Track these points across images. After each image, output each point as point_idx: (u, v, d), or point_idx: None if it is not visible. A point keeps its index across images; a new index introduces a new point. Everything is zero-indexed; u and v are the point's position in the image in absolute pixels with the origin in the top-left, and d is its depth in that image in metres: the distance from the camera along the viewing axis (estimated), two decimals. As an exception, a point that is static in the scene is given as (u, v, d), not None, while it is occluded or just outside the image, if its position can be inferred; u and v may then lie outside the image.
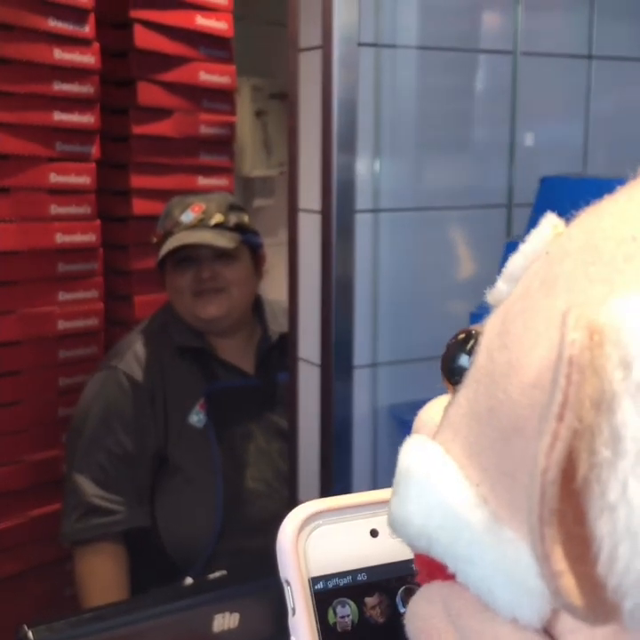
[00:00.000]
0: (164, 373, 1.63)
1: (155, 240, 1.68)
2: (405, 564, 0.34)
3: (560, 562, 0.22)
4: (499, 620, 0.26)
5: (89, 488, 1.57)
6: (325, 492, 1.51)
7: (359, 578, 0.37)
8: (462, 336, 0.32)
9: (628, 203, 0.28)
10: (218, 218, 1.64)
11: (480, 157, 1.55)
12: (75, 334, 1.98)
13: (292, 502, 1.59)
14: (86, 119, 1.96)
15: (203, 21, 2.18)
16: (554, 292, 0.26)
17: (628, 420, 0.21)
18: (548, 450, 0.22)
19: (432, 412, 0.33)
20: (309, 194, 1.50)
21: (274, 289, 2.78)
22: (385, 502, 0.38)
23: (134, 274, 2.12)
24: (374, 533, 0.38)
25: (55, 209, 1.91)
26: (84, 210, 1.97)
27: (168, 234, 1.65)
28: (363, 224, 1.46)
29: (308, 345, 1.53)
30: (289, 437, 1.60)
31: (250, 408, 1.69)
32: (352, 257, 1.47)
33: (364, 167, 1.45)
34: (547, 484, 0.22)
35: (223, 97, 2.26)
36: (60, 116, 1.90)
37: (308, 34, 1.46)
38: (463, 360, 0.31)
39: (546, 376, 0.24)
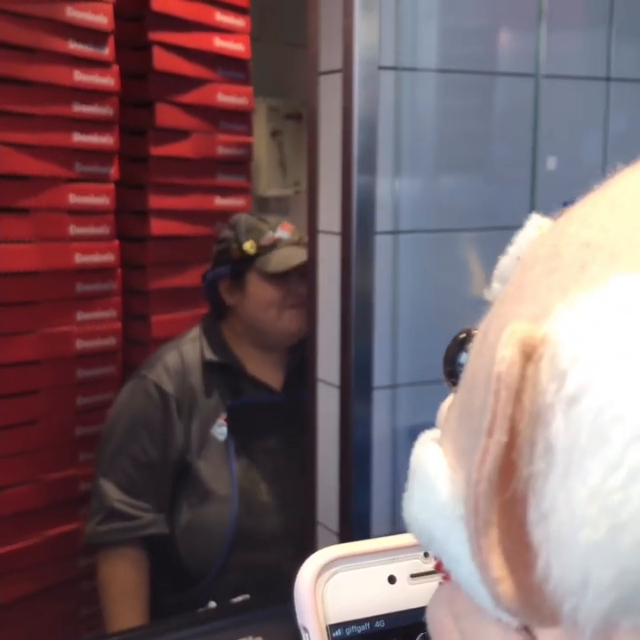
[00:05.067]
0: (191, 385, 1.67)
1: (252, 251, 1.70)
2: (423, 610, 0.34)
3: (497, 569, 0.23)
4: (487, 621, 0.26)
5: (113, 493, 1.60)
6: (344, 513, 1.51)
7: (377, 625, 0.37)
8: (462, 336, 0.32)
9: (593, 206, 0.27)
10: (303, 237, 1.69)
11: (500, 179, 1.55)
12: (92, 354, 1.98)
13: (311, 524, 1.58)
14: (105, 140, 1.97)
15: (220, 43, 2.19)
16: (522, 299, 0.27)
17: (559, 432, 0.22)
18: (479, 464, 0.23)
19: (444, 408, 0.33)
20: (329, 215, 1.50)
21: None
22: (403, 548, 0.38)
23: (152, 293, 2.12)
24: (392, 580, 0.38)
25: (74, 229, 1.92)
26: (103, 230, 1.98)
27: (270, 248, 1.71)
28: (382, 245, 1.47)
29: (328, 366, 1.53)
30: (308, 458, 1.59)
31: (272, 423, 1.73)
32: (371, 278, 1.47)
33: (383, 189, 1.45)
34: (479, 496, 0.23)
35: (240, 118, 2.28)
36: (79, 138, 1.92)
37: (329, 57, 1.47)
38: (463, 359, 0.31)
39: (489, 384, 0.24)
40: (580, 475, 0.21)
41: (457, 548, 0.27)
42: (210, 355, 1.70)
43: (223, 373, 1.70)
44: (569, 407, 0.22)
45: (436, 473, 0.29)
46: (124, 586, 1.61)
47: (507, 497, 0.23)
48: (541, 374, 0.23)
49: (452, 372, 0.32)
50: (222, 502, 1.64)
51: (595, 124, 1.62)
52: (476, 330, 0.31)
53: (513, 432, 0.23)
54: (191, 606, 1.49)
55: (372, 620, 0.37)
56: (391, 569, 0.38)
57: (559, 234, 0.27)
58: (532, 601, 0.23)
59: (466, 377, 0.29)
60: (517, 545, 0.23)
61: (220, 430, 1.66)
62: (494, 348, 0.25)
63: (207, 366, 1.69)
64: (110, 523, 1.60)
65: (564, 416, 0.22)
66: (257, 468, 1.69)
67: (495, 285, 0.32)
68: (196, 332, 1.75)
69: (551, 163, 1.50)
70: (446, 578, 0.30)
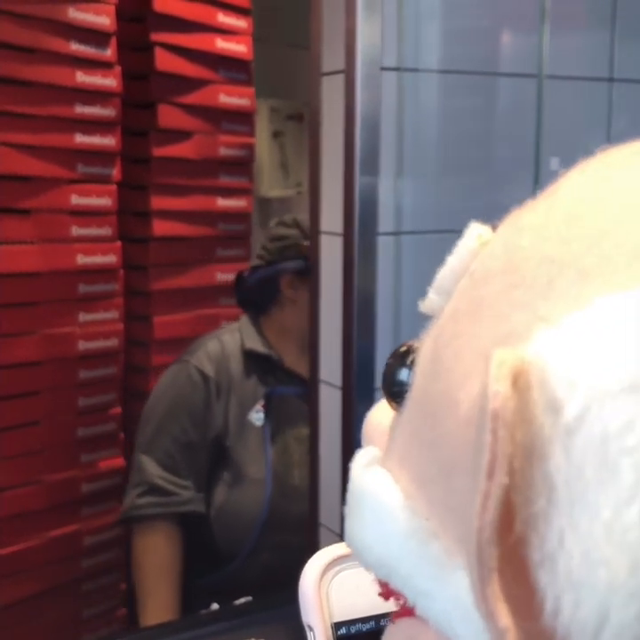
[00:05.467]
0: (230, 371, 1.76)
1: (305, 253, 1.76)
2: None
3: (504, 618, 0.21)
4: None
5: (154, 469, 1.66)
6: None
7: (382, 623, 0.37)
8: (403, 349, 0.30)
9: (546, 215, 0.26)
10: None
11: (502, 180, 1.55)
12: (95, 355, 1.98)
13: (314, 525, 1.58)
14: (107, 141, 1.97)
15: (222, 44, 2.19)
16: (479, 317, 0.25)
17: (559, 466, 0.21)
18: (480, 510, 0.21)
19: (379, 418, 0.32)
20: (331, 216, 1.50)
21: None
22: None
23: (154, 294, 2.12)
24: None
25: (76, 230, 1.92)
26: (105, 231, 1.98)
27: None
28: (385, 246, 1.47)
29: (330, 367, 1.52)
30: (311, 460, 1.59)
31: (305, 414, 1.78)
32: (374, 279, 1.47)
33: (386, 190, 1.45)
34: (483, 544, 0.21)
35: (242, 119, 2.28)
36: (81, 139, 1.92)
37: (331, 58, 1.47)
38: (403, 375, 0.30)
39: (473, 418, 0.23)
40: (588, 511, 0.20)
41: (427, 583, 0.25)
42: (250, 344, 1.78)
43: (261, 363, 1.78)
44: (568, 438, 0.20)
45: (391, 503, 0.27)
46: (159, 560, 1.65)
47: (508, 541, 0.21)
48: (532, 405, 0.21)
49: (392, 387, 0.30)
50: (257, 485, 1.71)
51: (597, 124, 1.61)
52: (416, 345, 0.29)
53: (510, 469, 0.21)
54: (221, 589, 1.54)
55: (376, 618, 0.37)
56: None
57: (512, 247, 0.26)
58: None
59: (417, 399, 0.27)
60: (520, 589, 0.21)
61: (258, 416, 1.74)
62: (462, 375, 0.24)
63: (246, 355, 1.78)
64: (149, 497, 1.65)
65: (563, 448, 0.21)
66: (290, 454, 1.78)
67: (432, 297, 0.30)
68: (235, 324, 1.85)
69: (554, 163, 1.50)
70: (403, 614, 0.28)
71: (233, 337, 1.80)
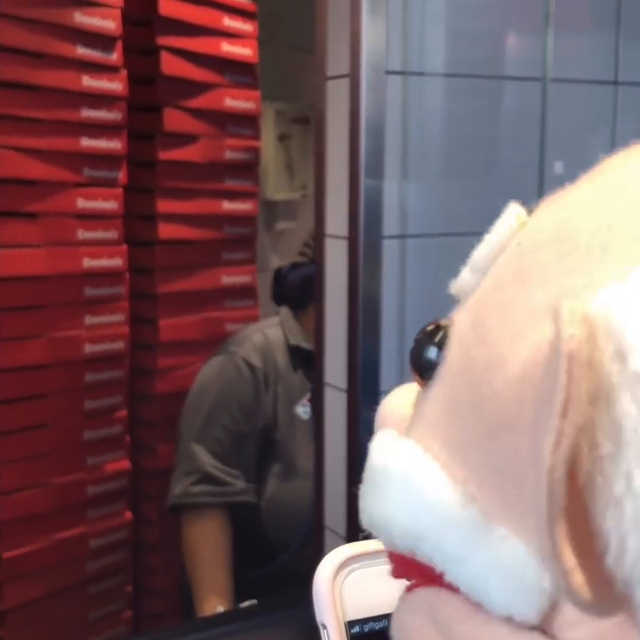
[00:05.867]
0: (277, 365, 1.79)
1: None
2: None
3: (570, 559, 0.22)
4: (493, 623, 0.25)
5: (206, 458, 1.69)
6: (352, 518, 1.51)
7: None
8: (431, 328, 0.30)
9: (595, 191, 0.27)
10: None
11: (507, 183, 1.55)
12: (101, 358, 1.99)
13: (319, 528, 1.58)
14: (114, 145, 1.98)
15: (228, 48, 2.20)
16: (529, 284, 0.26)
17: (628, 412, 0.21)
18: (553, 448, 0.21)
19: (395, 404, 0.32)
20: (336, 220, 1.50)
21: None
22: None
23: (160, 297, 2.13)
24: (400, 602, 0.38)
25: (82, 234, 1.93)
26: (111, 234, 1.99)
27: None
28: (390, 250, 1.47)
29: (335, 370, 1.53)
30: (315, 463, 1.59)
31: None
32: (379, 282, 1.47)
33: (391, 193, 1.45)
34: (554, 482, 0.22)
35: (248, 122, 2.28)
36: (87, 142, 1.93)
37: (336, 62, 1.48)
38: (432, 353, 0.30)
39: (533, 370, 0.23)
40: None
41: (460, 547, 0.26)
42: (294, 340, 1.82)
43: (306, 358, 1.80)
44: (636, 385, 0.21)
45: (423, 472, 0.27)
46: (214, 549, 1.67)
47: (576, 484, 0.22)
48: (602, 352, 0.22)
49: (422, 366, 0.30)
50: (307, 477, 1.73)
51: (602, 127, 1.61)
52: (446, 322, 0.29)
53: (573, 412, 0.22)
54: (271, 582, 1.54)
55: (390, 616, 0.37)
56: None
57: (562, 219, 0.27)
58: (603, 590, 0.22)
59: (455, 367, 0.28)
60: (584, 532, 0.22)
61: (305, 409, 1.79)
62: (512, 337, 0.24)
63: (292, 350, 1.82)
64: (203, 486, 1.68)
65: (631, 394, 0.21)
66: None
67: (466, 276, 0.30)
68: (275, 319, 1.89)
69: (559, 167, 1.50)
70: (422, 583, 0.28)
71: (276, 331, 1.84)
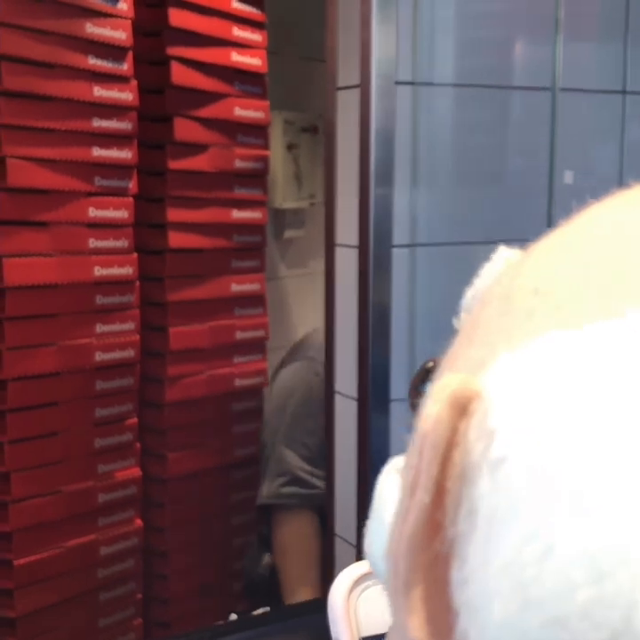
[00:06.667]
0: None
1: None
2: None
3: (415, 630, 0.21)
4: None
5: (295, 461, 1.74)
6: (362, 526, 1.51)
7: None
8: (430, 365, 0.31)
9: (549, 249, 0.26)
10: None
11: (516, 193, 1.56)
12: (111, 366, 2.00)
13: (330, 536, 1.59)
14: (124, 154, 1.99)
15: (238, 58, 2.21)
16: (474, 340, 0.26)
17: (483, 495, 0.21)
18: (400, 523, 0.22)
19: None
20: (346, 229, 1.51)
21: (304, 319, 2.79)
22: None
23: (170, 305, 2.14)
24: None
25: (93, 242, 1.94)
26: (122, 243, 2.00)
27: None
28: (399, 259, 1.48)
29: (345, 379, 1.53)
30: (326, 471, 1.60)
31: None
32: (389, 291, 1.48)
33: (400, 203, 1.46)
34: (399, 556, 0.22)
35: (257, 132, 2.29)
36: (98, 152, 1.94)
37: (346, 73, 1.49)
38: (427, 388, 0.30)
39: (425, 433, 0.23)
40: (496, 542, 0.20)
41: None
42: None
43: None
44: (494, 470, 0.21)
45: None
46: (307, 547, 1.71)
47: (431, 557, 0.22)
48: (471, 432, 0.22)
49: (416, 400, 0.31)
50: None
51: (611, 136, 1.62)
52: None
53: (441, 489, 0.22)
54: None
55: None
56: None
57: (515, 274, 0.26)
58: None
59: None
60: (441, 606, 0.22)
61: None
62: (436, 389, 0.24)
63: None
64: (293, 487, 1.72)
65: (489, 479, 0.21)
66: None
67: (462, 316, 0.31)
68: None
69: (568, 177, 1.50)
70: None
71: None
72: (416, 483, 0.22)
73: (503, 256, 0.30)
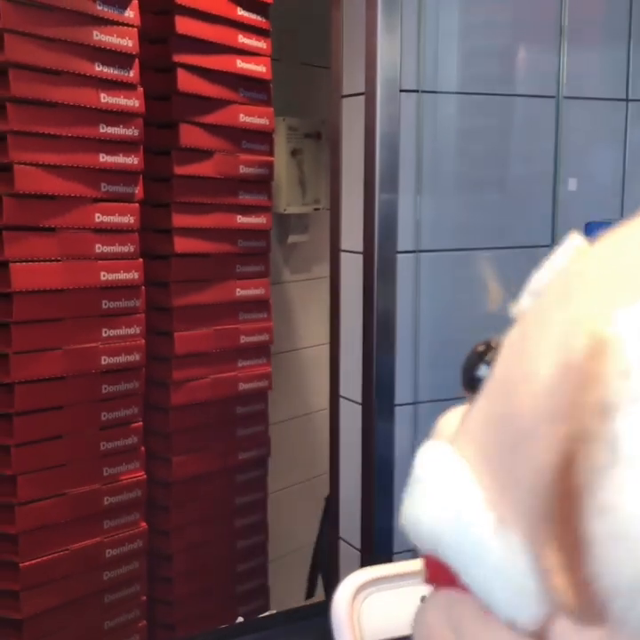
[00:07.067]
0: None
1: None
2: None
3: (554, 561, 0.22)
4: (497, 625, 0.26)
5: None
6: (366, 529, 1.52)
7: None
8: (482, 348, 0.33)
9: (632, 231, 0.28)
10: None
11: (520, 200, 1.57)
12: (117, 369, 2.01)
13: (333, 539, 1.60)
14: (130, 160, 2.01)
15: (242, 65, 2.23)
16: (568, 305, 0.27)
17: (625, 428, 0.22)
18: (545, 452, 0.23)
19: (450, 421, 0.34)
20: (351, 235, 1.53)
21: (308, 323, 2.81)
22: None
23: (175, 310, 2.15)
24: (425, 600, 0.40)
25: (100, 248, 1.95)
26: (128, 248, 2.01)
27: None
28: (404, 264, 1.49)
29: (350, 384, 1.55)
30: (331, 475, 1.61)
31: None
32: (393, 297, 1.49)
33: (405, 210, 1.48)
34: (543, 485, 0.23)
35: (262, 138, 2.31)
36: (105, 158, 1.95)
37: (351, 80, 1.50)
38: (482, 370, 0.32)
39: (552, 383, 0.25)
40: None
41: (475, 549, 0.27)
42: None
43: None
44: (637, 403, 0.22)
45: (453, 476, 0.29)
46: None
47: (566, 488, 0.23)
48: (608, 369, 0.23)
49: (472, 383, 0.32)
50: None
51: (614, 144, 1.64)
52: (496, 342, 0.31)
53: (578, 423, 0.23)
54: None
55: (406, 639, 0.38)
56: (424, 589, 0.40)
57: (614, 248, 0.28)
58: (583, 596, 0.22)
59: (494, 385, 0.29)
60: (572, 537, 0.23)
61: None
62: (547, 350, 0.25)
63: None
64: None
65: (631, 411, 0.22)
66: None
67: (526, 299, 0.32)
68: None
69: (572, 184, 1.52)
70: (445, 583, 0.30)
71: None
72: (565, 410, 0.23)
73: (574, 243, 0.32)
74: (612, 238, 0.30)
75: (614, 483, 0.22)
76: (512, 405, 0.27)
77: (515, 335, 0.30)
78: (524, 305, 0.32)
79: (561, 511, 0.23)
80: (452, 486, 0.29)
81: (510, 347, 0.30)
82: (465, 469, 0.29)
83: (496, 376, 0.30)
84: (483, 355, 0.33)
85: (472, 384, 0.32)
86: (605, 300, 0.26)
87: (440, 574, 0.30)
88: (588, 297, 0.27)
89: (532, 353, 0.27)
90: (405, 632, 0.37)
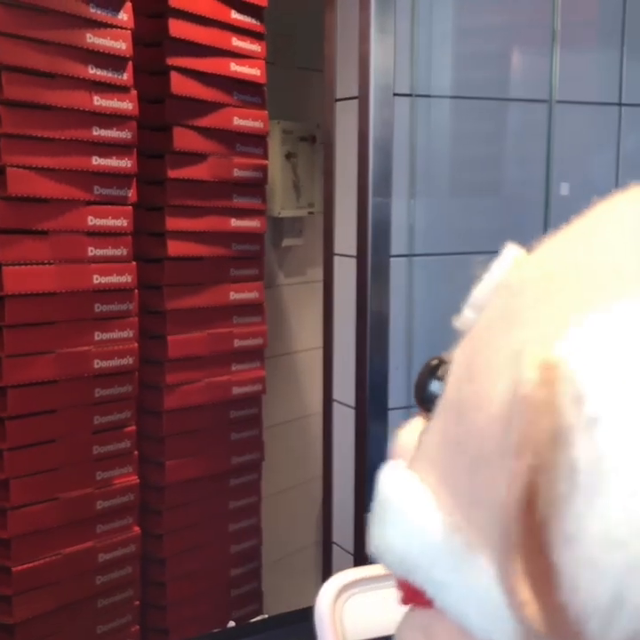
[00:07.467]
0: None
1: None
2: None
3: (525, 592, 0.23)
4: None
5: None
6: (359, 533, 1.52)
7: None
8: (434, 362, 0.33)
9: (575, 236, 0.28)
10: None
11: (513, 203, 1.57)
12: (110, 373, 2.01)
13: (327, 544, 1.60)
14: (124, 163, 2.00)
15: (237, 68, 2.23)
16: (513, 325, 0.27)
17: (579, 455, 0.22)
18: (508, 488, 0.23)
19: (407, 436, 0.34)
20: (345, 239, 1.53)
21: (302, 327, 2.81)
22: None
23: (169, 314, 2.15)
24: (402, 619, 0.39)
25: (93, 251, 1.95)
26: (121, 251, 2.01)
27: None
28: (398, 268, 1.49)
29: (343, 387, 1.55)
30: (323, 479, 1.61)
31: None
32: (387, 300, 1.49)
33: (398, 214, 1.48)
34: (510, 520, 0.23)
35: (256, 141, 2.31)
36: (98, 161, 1.95)
37: (345, 84, 1.50)
38: (434, 386, 0.32)
39: (505, 413, 0.25)
40: (608, 495, 0.21)
41: (446, 575, 0.27)
42: None
43: None
44: (591, 428, 0.22)
45: (418, 502, 0.29)
46: None
47: (531, 521, 0.23)
48: (560, 396, 0.23)
49: (424, 399, 0.32)
50: None
51: (607, 148, 1.64)
52: (447, 357, 0.31)
53: (535, 454, 0.23)
54: None
55: (388, 639, 0.39)
56: None
57: (554, 260, 0.28)
58: (556, 623, 0.23)
59: (449, 403, 0.29)
60: (540, 567, 0.23)
61: None
62: (494, 376, 0.25)
63: None
64: None
65: (586, 437, 0.22)
66: None
67: (468, 314, 0.32)
68: None
69: (565, 188, 1.52)
70: (420, 604, 0.30)
71: None
72: (522, 445, 0.23)
73: (512, 254, 0.32)
74: (549, 246, 0.30)
75: (575, 511, 0.22)
76: (467, 431, 0.27)
77: (463, 355, 0.30)
78: (466, 318, 0.32)
79: (529, 542, 0.23)
80: (416, 514, 0.29)
81: (460, 366, 0.29)
82: (428, 495, 0.29)
83: (448, 397, 0.30)
84: (434, 370, 0.32)
85: (425, 400, 0.32)
86: (551, 319, 0.26)
87: (415, 596, 0.30)
88: (534, 316, 0.27)
89: (482, 378, 0.27)
90: (389, 632, 0.38)
